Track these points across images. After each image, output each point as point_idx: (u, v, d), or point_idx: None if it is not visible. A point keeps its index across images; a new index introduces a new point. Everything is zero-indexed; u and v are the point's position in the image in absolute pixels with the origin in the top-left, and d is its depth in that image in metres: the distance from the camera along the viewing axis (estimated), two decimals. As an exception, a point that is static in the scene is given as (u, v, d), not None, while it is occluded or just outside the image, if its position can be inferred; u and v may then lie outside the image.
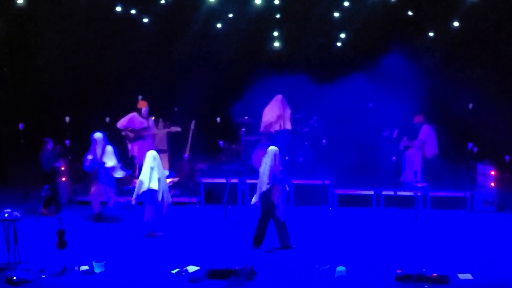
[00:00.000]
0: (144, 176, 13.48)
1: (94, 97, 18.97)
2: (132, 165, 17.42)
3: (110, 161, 14.89)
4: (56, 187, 15.46)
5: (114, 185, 15.11)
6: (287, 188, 12.98)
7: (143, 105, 17.01)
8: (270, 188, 12.43)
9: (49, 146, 15.48)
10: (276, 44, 19.37)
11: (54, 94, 19.22)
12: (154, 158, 13.55)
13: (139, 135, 16.90)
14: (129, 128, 16.87)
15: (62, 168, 16.33)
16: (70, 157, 17.10)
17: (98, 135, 14.95)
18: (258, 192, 12.60)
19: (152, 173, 13.45)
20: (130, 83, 18.82)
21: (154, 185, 13.43)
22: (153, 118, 17.36)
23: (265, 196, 12.49)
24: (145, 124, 16.95)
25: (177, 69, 19.50)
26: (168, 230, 13.89)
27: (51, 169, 15.38)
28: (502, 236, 13.37)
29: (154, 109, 17.51)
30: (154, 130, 17.14)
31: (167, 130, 17.48)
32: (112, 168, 14.91)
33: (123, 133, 16.99)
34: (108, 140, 15.16)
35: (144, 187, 13.39)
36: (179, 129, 17.38)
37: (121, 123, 16.92)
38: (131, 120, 16.92)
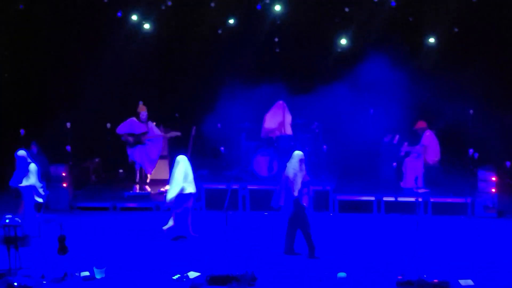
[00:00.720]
0: (180, 180, 13.53)
1: (95, 103, 18.95)
2: (132, 171, 17.44)
3: (28, 180, 13.94)
4: None
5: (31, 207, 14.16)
6: (311, 192, 12.96)
7: (141, 109, 17.03)
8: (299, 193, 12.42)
9: (33, 150, 15.39)
10: (277, 49, 19.37)
11: (55, 100, 19.21)
12: (187, 163, 13.64)
13: (138, 140, 16.90)
14: (128, 133, 16.87)
15: (63, 174, 16.36)
16: (70, 163, 17.09)
17: (20, 153, 14.12)
18: (286, 197, 12.48)
19: (188, 177, 13.54)
20: (131, 89, 18.81)
21: (191, 189, 13.57)
22: (154, 123, 17.37)
23: (296, 201, 12.45)
24: (144, 129, 16.95)
25: (178, 75, 19.49)
26: (167, 236, 13.90)
27: None
28: (503, 242, 13.36)
29: (155, 115, 17.52)
30: (157, 133, 17.12)
31: (167, 135, 17.50)
32: (31, 188, 14.00)
33: (122, 138, 16.98)
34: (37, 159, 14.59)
35: (185, 191, 13.50)
36: (179, 133, 17.39)
37: (120, 128, 16.93)
38: (130, 125, 16.92)
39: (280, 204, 12.78)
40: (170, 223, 13.75)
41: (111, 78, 19.00)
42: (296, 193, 12.38)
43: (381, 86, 17.33)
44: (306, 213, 12.55)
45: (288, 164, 12.67)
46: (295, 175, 12.46)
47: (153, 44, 19.30)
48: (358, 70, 17.82)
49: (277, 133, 17.41)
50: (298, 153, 12.71)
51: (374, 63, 17.88)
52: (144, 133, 16.92)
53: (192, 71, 19.31)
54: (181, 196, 13.54)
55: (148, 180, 17.38)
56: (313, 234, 12.57)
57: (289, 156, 17.10)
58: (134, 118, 16.93)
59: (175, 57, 19.45)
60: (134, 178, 17.25)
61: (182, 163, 13.70)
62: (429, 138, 16.64)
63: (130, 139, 16.86)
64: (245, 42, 18.84)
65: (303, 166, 12.58)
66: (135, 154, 16.98)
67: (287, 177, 12.56)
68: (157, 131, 17.17)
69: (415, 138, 16.73)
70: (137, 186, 17.18)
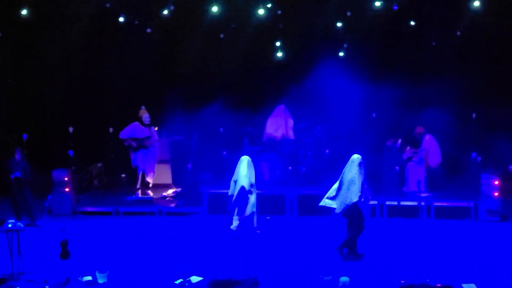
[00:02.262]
0: (244, 178, 13.72)
1: (98, 108, 18.99)
2: (135, 175, 17.45)
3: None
4: (16, 197, 15.23)
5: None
6: (370, 197, 12.83)
7: (143, 113, 17.06)
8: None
9: (16, 156, 15.34)
10: (279, 54, 19.39)
11: (57, 105, 19.25)
12: (250, 162, 13.91)
13: (141, 144, 16.91)
14: (132, 138, 16.89)
15: (66, 179, 16.38)
16: (73, 168, 17.11)
17: None
18: (345, 202, 12.34)
19: (251, 176, 13.81)
20: (134, 94, 18.83)
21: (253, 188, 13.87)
22: (156, 128, 17.39)
23: (354, 206, 12.34)
24: (147, 133, 16.96)
25: (180, 79, 19.51)
26: (170, 241, 13.91)
27: (10, 179, 15.21)
28: (506, 246, 13.33)
29: (157, 119, 17.53)
30: (157, 138, 17.16)
31: (169, 139, 17.51)
32: None
33: (125, 143, 17.00)
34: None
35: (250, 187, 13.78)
36: (181, 137, 17.40)
37: (124, 133, 16.94)
38: (133, 130, 16.95)
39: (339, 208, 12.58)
40: (235, 222, 13.94)
41: (114, 82, 19.04)
42: (355, 199, 12.29)
43: (384, 90, 17.34)
44: (362, 218, 12.45)
45: (347, 169, 12.56)
46: (354, 178, 12.36)
47: (155, 48, 19.33)
48: (361, 73, 17.84)
49: (279, 137, 17.41)
50: (357, 157, 12.49)
51: (377, 67, 17.92)
52: (147, 138, 16.93)
53: (194, 75, 19.33)
54: (243, 194, 13.73)
55: (150, 185, 17.38)
56: (359, 240, 12.49)
57: (291, 160, 17.28)
58: (137, 123, 16.95)
59: (177, 61, 19.47)
60: (136, 183, 17.25)
61: (245, 162, 13.86)
62: (429, 142, 16.67)
63: (133, 143, 16.88)
64: (247, 46, 18.86)
65: (362, 170, 12.46)
66: (138, 158, 16.99)
67: (345, 181, 12.42)
68: (157, 136, 17.20)
69: (417, 142, 16.74)
70: (139, 191, 17.18)
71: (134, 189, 17.25)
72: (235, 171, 13.92)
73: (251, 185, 13.79)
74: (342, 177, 12.48)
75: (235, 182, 13.84)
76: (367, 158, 16.82)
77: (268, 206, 15.89)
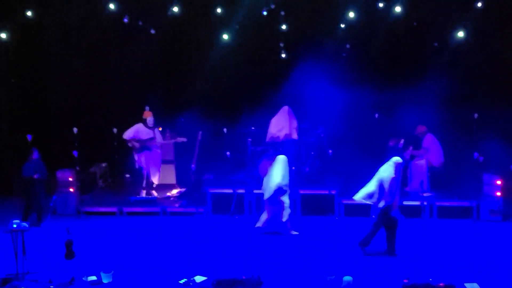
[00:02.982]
0: (279, 178, 14.04)
1: (102, 108, 19.03)
2: (138, 175, 17.47)
3: None
4: (32, 197, 15.29)
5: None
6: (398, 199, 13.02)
7: (148, 115, 17.06)
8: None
9: (34, 155, 15.40)
10: (283, 55, 19.43)
11: (62, 105, 19.30)
12: (286, 162, 14.27)
13: (145, 145, 16.94)
14: (135, 139, 16.92)
15: (70, 179, 16.45)
16: (77, 168, 17.17)
17: None
18: (377, 204, 12.61)
19: (285, 175, 14.11)
20: (137, 94, 18.86)
21: (286, 187, 14.19)
22: (160, 128, 17.42)
23: (388, 207, 12.60)
24: (151, 135, 16.98)
25: (184, 79, 19.55)
26: (174, 240, 13.97)
27: (28, 178, 15.25)
28: (508, 245, 13.37)
29: (160, 120, 17.57)
30: (161, 140, 17.19)
31: (173, 141, 17.54)
32: None
33: (129, 144, 17.02)
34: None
35: (280, 186, 14.08)
36: (185, 139, 17.43)
37: (127, 134, 16.95)
38: (136, 131, 16.95)
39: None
40: (263, 217, 14.31)
41: (118, 83, 19.07)
42: (388, 199, 12.47)
43: (386, 91, 17.37)
44: (394, 220, 12.70)
45: (382, 168, 12.73)
46: (391, 180, 12.51)
47: (159, 49, 19.36)
48: (363, 73, 17.86)
49: (283, 137, 17.43)
50: (396, 159, 12.77)
51: (380, 68, 17.93)
52: (151, 139, 16.96)
53: (198, 76, 19.36)
54: (277, 192, 14.02)
55: (154, 185, 17.41)
56: (397, 236, 12.82)
57: (294, 160, 17.30)
58: (141, 124, 16.97)
59: (181, 62, 19.51)
60: (142, 183, 17.27)
61: (281, 162, 14.20)
62: (430, 141, 16.69)
63: (137, 145, 16.91)
64: (250, 47, 18.89)
65: (399, 172, 12.60)
66: (142, 160, 17.03)
67: (382, 182, 12.61)
68: (160, 138, 17.21)
69: (419, 142, 16.77)
70: (143, 191, 17.21)
71: (138, 189, 17.28)
72: (275, 170, 14.20)
73: (285, 185, 14.16)
74: (376, 176, 12.79)
75: (268, 181, 14.19)
76: (369, 159, 17.02)
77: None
